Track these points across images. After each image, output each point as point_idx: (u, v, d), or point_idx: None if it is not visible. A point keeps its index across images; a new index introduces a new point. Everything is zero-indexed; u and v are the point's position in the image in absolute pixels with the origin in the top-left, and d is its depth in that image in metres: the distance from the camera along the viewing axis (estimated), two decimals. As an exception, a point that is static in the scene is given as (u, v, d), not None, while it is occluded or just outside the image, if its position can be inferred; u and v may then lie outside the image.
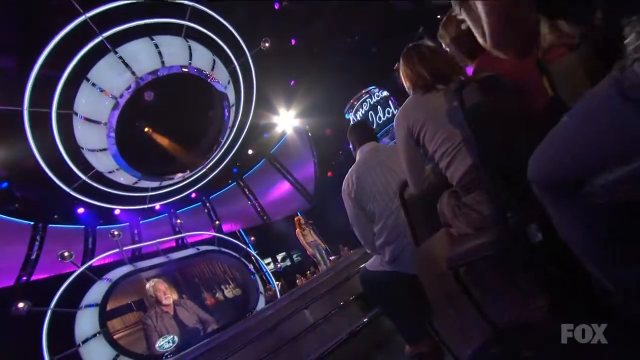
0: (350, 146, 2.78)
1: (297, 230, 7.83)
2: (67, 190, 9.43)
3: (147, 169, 11.56)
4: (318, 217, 16.69)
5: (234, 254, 13.07)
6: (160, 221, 13.88)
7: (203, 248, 12.66)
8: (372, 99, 15.05)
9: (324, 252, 8.01)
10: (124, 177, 10.71)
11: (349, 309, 4.29)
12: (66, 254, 8.98)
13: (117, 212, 11.64)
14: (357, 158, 2.54)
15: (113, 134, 9.29)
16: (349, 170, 2.46)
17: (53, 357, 7.67)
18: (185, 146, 12.61)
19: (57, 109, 8.17)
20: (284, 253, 17.98)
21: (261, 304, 12.67)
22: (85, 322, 8.42)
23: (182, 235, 12.84)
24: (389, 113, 15.01)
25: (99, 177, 10.08)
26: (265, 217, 17.33)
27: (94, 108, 8.83)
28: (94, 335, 8.22)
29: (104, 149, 9.33)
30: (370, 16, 14.21)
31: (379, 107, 15.01)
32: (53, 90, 7.93)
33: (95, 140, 9.16)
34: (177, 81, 11.06)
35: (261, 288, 13.18)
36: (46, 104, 8.04)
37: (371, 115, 14.82)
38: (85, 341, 8.14)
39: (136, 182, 11.21)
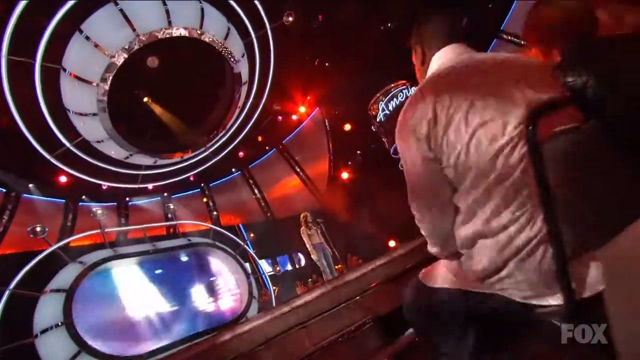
0: (415, 53, 1.63)
1: (302, 228, 7.03)
2: (48, 157, 8.79)
3: (142, 143, 10.99)
4: (327, 221, 15.94)
5: (229, 250, 12.44)
6: (152, 204, 13.25)
7: (196, 240, 12.00)
8: (409, 91, 14.27)
9: (330, 258, 7.14)
10: (114, 150, 10.11)
11: (364, 338, 3.32)
12: (38, 228, 8.35)
13: (104, 187, 11.01)
14: (436, 67, 1.51)
15: (105, 98, 8.62)
16: (415, 91, 1.28)
17: (3, 345, 6.96)
18: (188, 123, 11.99)
19: (42, 61, 7.50)
20: (285, 256, 17.14)
21: (254, 309, 12.00)
22: (48, 309, 7.72)
23: (174, 223, 12.17)
24: None
25: (86, 146, 9.44)
26: (268, 214, 16.59)
27: (86, 65, 8.17)
28: (55, 326, 7.51)
29: (94, 114, 8.67)
30: (411, 3, 13.45)
31: None
32: (39, 38, 7.25)
33: (84, 102, 8.51)
34: (185, 49, 10.42)
35: (256, 292, 12.48)
36: (30, 54, 7.37)
37: None
38: (44, 331, 7.44)
39: (128, 157, 10.63)
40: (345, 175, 16.42)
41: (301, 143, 16.20)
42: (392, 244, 14.88)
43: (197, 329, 10.07)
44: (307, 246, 7.12)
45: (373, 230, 14.87)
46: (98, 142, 9.38)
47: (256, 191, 16.47)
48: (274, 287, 14.48)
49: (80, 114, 8.54)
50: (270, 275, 15.06)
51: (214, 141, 12.50)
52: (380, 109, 14.45)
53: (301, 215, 7.37)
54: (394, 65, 14.03)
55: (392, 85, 14.86)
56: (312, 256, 7.04)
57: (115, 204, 12.41)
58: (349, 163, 16.74)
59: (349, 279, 4.77)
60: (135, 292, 9.63)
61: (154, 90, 10.99)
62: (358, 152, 16.66)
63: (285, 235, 15.13)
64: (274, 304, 12.78)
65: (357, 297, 4.14)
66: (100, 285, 8.98)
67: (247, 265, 13.60)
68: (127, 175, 11.16)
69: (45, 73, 7.69)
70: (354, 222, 15.29)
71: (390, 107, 14.40)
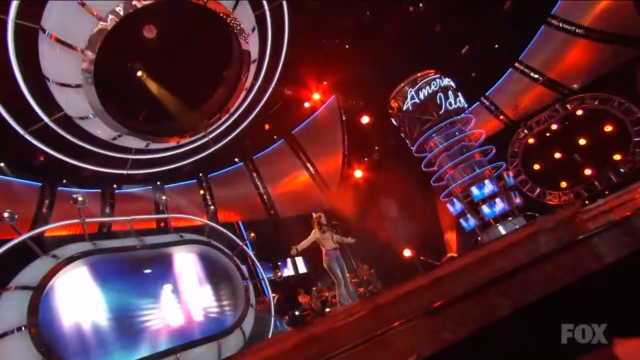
0: None
1: (314, 230, 6.21)
2: (22, 133, 8.03)
3: (133, 123, 10.25)
4: (335, 221, 15.21)
5: (226, 250, 11.70)
6: (141, 194, 12.53)
7: (188, 236, 11.14)
8: (442, 81, 13.71)
9: (345, 269, 6.33)
10: (101, 129, 9.36)
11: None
12: (6, 214, 7.49)
13: (87, 171, 10.28)
14: None
15: (92, 68, 7.83)
16: None
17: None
18: (187, 104, 11.22)
19: (16, 18, 6.70)
20: (287, 259, 16.42)
21: (250, 320, 11.29)
22: (11, 309, 6.93)
23: (166, 216, 11.42)
24: (460, 102, 13.60)
25: (68, 123, 8.68)
26: (272, 212, 15.96)
27: (69, 27, 7.34)
28: (17, 330, 6.74)
29: (77, 86, 7.89)
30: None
31: (450, 91, 13.89)
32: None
33: (66, 71, 7.71)
34: (187, 17, 9.63)
35: (253, 299, 11.78)
36: (2, 9, 6.57)
37: (440, 97, 13.54)
38: (3, 335, 6.68)
39: (116, 139, 9.91)
40: (359, 173, 15.95)
41: (313, 134, 15.50)
42: (407, 253, 14.35)
43: (185, 340, 9.25)
44: (317, 247, 6.29)
45: (387, 237, 14.22)
46: (82, 118, 8.61)
47: (260, 185, 15.89)
48: (274, 295, 13.85)
49: (62, 85, 7.74)
50: (270, 281, 14.34)
51: (215, 126, 11.89)
52: (410, 96, 13.66)
53: (314, 216, 6.53)
54: (422, 51, 13.63)
55: (420, 74, 14.09)
56: (324, 264, 6.22)
57: (99, 190, 11.71)
58: (365, 160, 16.42)
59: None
60: (116, 293, 8.83)
61: (149, 64, 10.20)
62: (376, 147, 16.37)
63: (290, 236, 14.53)
64: (272, 314, 12.12)
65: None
66: (75, 284, 8.20)
67: (244, 268, 13.03)
68: (114, 158, 10.40)
69: (20, 33, 6.88)
70: (366, 227, 14.61)
71: (422, 96, 13.60)
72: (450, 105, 13.47)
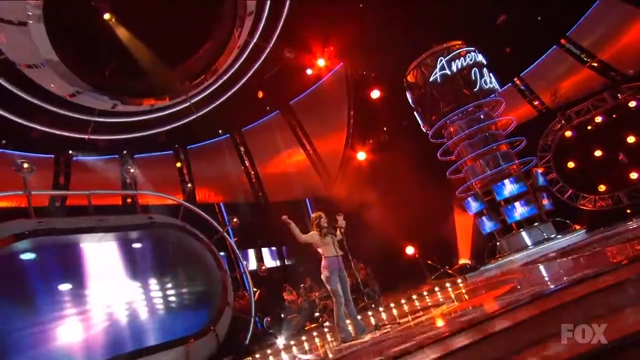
0: None
1: (312, 232, 5.45)
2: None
3: (98, 79, 9.48)
4: (331, 212, 14.71)
5: (202, 237, 11.03)
6: (105, 164, 11.65)
7: (159, 219, 10.48)
8: (477, 56, 12.94)
9: (348, 285, 5.60)
10: (55, 83, 8.51)
11: None
12: (26, 165, 7.14)
13: (35, 134, 9.40)
14: None
15: (40, 2, 6.83)
16: None
17: None
18: (166, 60, 10.50)
19: None
20: (273, 249, 15.86)
21: (226, 320, 10.72)
22: None
23: (133, 192, 10.70)
24: (492, 83, 12.86)
25: (11, 70, 7.73)
26: (260, 194, 15.35)
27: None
28: None
29: (22, 23, 6.91)
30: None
31: (485, 69, 13.20)
32: None
33: (7, 4, 6.72)
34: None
35: (231, 296, 11.17)
36: None
37: (475, 73, 12.76)
38: None
39: (75, 95, 9.10)
40: (363, 156, 15.35)
41: (314, 108, 14.83)
42: (410, 250, 13.87)
43: (146, 343, 8.57)
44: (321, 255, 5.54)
45: (389, 233, 13.70)
46: (30, 66, 7.65)
47: (247, 163, 15.31)
48: (256, 289, 13.33)
49: (2, 21, 6.75)
50: (252, 274, 13.80)
51: (199, 89, 11.39)
52: (439, 66, 12.79)
53: (313, 216, 5.71)
54: (449, 18, 12.78)
55: (446, 44, 13.20)
56: (321, 276, 5.48)
57: (52, 156, 10.85)
58: (371, 142, 15.65)
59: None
60: (65, 286, 8.02)
61: (121, 6, 9.26)
62: (384, 128, 15.63)
63: (278, 224, 13.98)
64: (253, 312, 11.58)
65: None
66: (13, 272, 7.49)
67: (223, 257, 12.40)
68: (72, 120, 9.60)
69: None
70: (367, 219, 14.13)
71: (454, 68, 12.72)
72: (486, 84, 12.67)
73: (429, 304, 7.54)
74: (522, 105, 14.96)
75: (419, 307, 7.75)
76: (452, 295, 6.41)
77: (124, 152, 11.76)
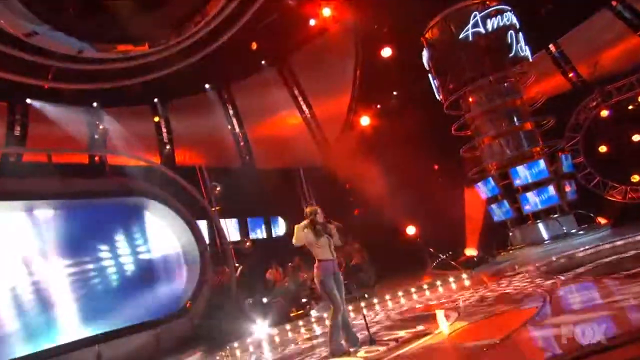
0: None
1: (306, 230, 5.03)
2: None
3: (61, 18, 8.96)
4: (327, 184, 14.93)
5: (179, 206, 10.85)
6: (69, 116, 11.15)
7: (132, 184, 10.28)
8: (513, 18, 12.38)
9: (343, 288, 5.30)
10: (5, 18, 8.04)
11: None
12: None
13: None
14: None
15: None
16: None
17: None
18: (146, 3, 10.11)
19: None
20: (260, 219, 15.97)
21: (202, 299, 10.66)
22: None
23: (100, 152, 10.51)
24: (525, 50, 12.31)
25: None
26: (247, 158, 15.22)
27: None
28: None
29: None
30: None
31: (520, 34, 12.56)
32: None
33: None
34: None
35: (209, 274, 11.02)
36: None
37: (512, 36, 12.41)
38: None
39: (32, 36, 8.64)
40: (367, 121, 15.16)
41: (315, 65, 14.43)
42: (411, 230, 13.74)
43: (112, 325, 8.76)
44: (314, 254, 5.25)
45: (389, 212, 13.60)
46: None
47: (235, 123, 15.07)
48: (238, 265, 13.29)
49: None
50: (235, 246, 13.78)
51: (184, 36, 11.09)
52: (472, 22, 12.06)
53: (307, 210, 5.27)
54: None
55: (472, 1, 12.46)
56: (315, 279, 5.16)
57: (5, 103, 10.39)
58: (378, 106, 15.49)
59: None
60: (20, 259, 8.21)
61: None
62: (394, 93, 15.41)
63: (266, 195, 13.95)
64: (234, 289, 11.52)
65: None
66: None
67: (203, 227, 12.31)
68: (30, 64, 9.13)
69: None
70: (366, 196, 14.08)
71: (489, 27, 12.04)
72: (522, 50, 12.09)
73: (431, 302, 7.41)
74: (554, 76, 14.34)
75: (418, 304, 7.58)
76: (461, 306, 6.05)
77: (93, 104, 11.36)
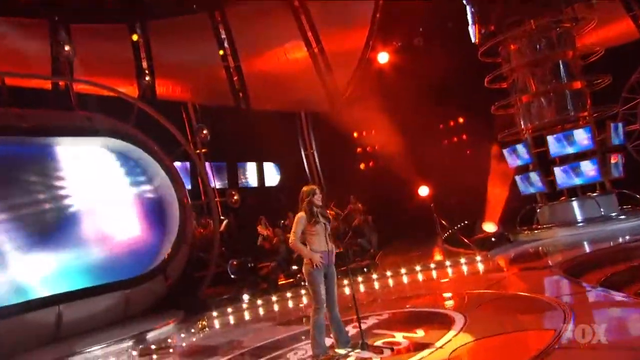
0: None
1: (301, 214, 4.70)
2: None
3: None
4: (331, 132, 14.72)
5: (157, 149, 10.64)
6: (26, 32, 10.60)
7: (102, 123, 9.95)
8: None
9: (335, 285, 5.03)
10: None
11: None
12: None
13: None
14: None
15: None
16: None
17: None
18: None
19: None
20: (252, 164, 15.66)
21: (181, 258, 10.55)
22: None
23: (65, 79, 10.07)
24: None
25: None
26: (242, 95, 14.74)
27: None
28: None
29: None
30: None
31: None
32: None
33: None
34: None
35: (190, 230, 10.89)
36: None
37: None
38: None
39: None
40: (385, 58, 14.83)
41: None
42: (423, 191, 13.51)
43: (77, 285, 8.65)
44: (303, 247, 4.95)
45: (402, 165, 13.66)
46: None
47: (228, 53, 14.62)
48: (224, 218, 13.13)
49: None
50: (221, 199, 13.62)
51: None
52: None
53: (304, 190, 4.87)
54: None
55: None
56: (303, 269, 4.90)
57: None
58: (400, 44, 15.15)
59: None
60: None
61: None
62: (420, 29, 15.12)
63: (262, 138, 13.85)
64: (217, 245, 11.40)
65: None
66: None
67: (184, 167, 12.40)
68: None
69: None
70: (376, 144, 14.47)
71: None
72: None
73: (436, 292, 7.17)
74: (620, 21, 13.52)
75: (421, 290, 7.40)
76: (468, 310, 5.69)
77: (56, 18, 10.64)
